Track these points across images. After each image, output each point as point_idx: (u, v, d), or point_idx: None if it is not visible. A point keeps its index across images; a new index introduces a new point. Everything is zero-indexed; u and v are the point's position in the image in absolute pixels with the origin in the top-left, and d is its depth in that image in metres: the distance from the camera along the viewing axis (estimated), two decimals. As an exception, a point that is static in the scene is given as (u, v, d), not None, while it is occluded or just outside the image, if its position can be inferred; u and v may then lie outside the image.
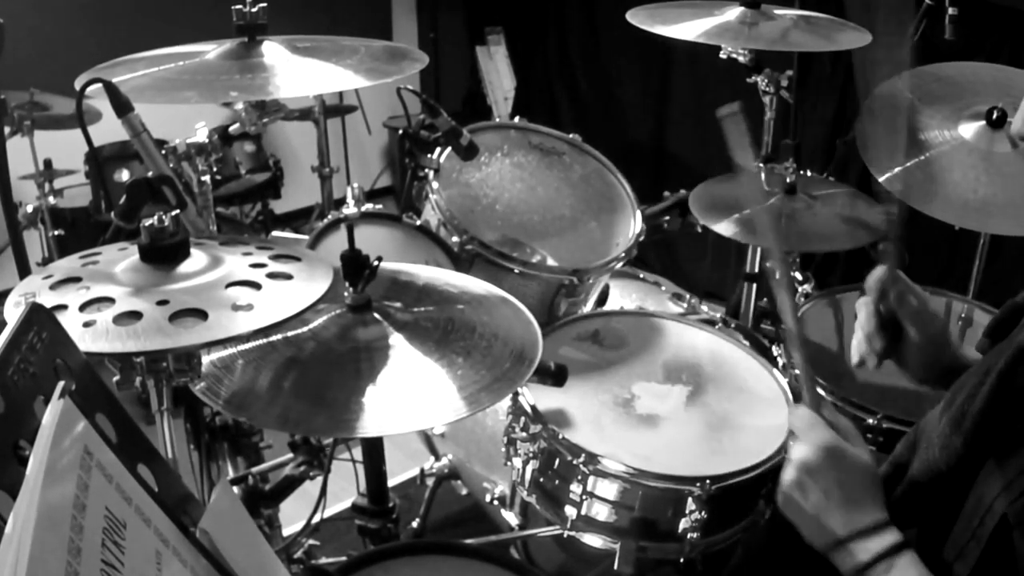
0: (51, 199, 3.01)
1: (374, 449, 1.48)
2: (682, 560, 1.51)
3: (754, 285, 2.33)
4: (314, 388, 1.18)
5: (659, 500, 1.49)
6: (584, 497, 1.52)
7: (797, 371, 1.21)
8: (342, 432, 1.24)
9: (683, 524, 1.48)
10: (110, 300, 1.00)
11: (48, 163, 3.04)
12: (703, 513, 1.47)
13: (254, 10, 1.54)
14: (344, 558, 1.35)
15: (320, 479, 1.62)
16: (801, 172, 2.15)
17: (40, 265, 2.80)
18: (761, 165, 2.24)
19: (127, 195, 1.24)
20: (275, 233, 2.64)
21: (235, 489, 1.57)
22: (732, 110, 1.12)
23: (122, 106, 1.35)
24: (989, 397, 0.94)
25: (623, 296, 2.23)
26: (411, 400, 1.17)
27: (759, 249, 2.29)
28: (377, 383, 1.18)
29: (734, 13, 2.04)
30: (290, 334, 1.25)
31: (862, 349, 1.20)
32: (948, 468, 0.98)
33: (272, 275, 1.09)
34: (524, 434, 1.59)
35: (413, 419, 1.17)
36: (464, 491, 2.06)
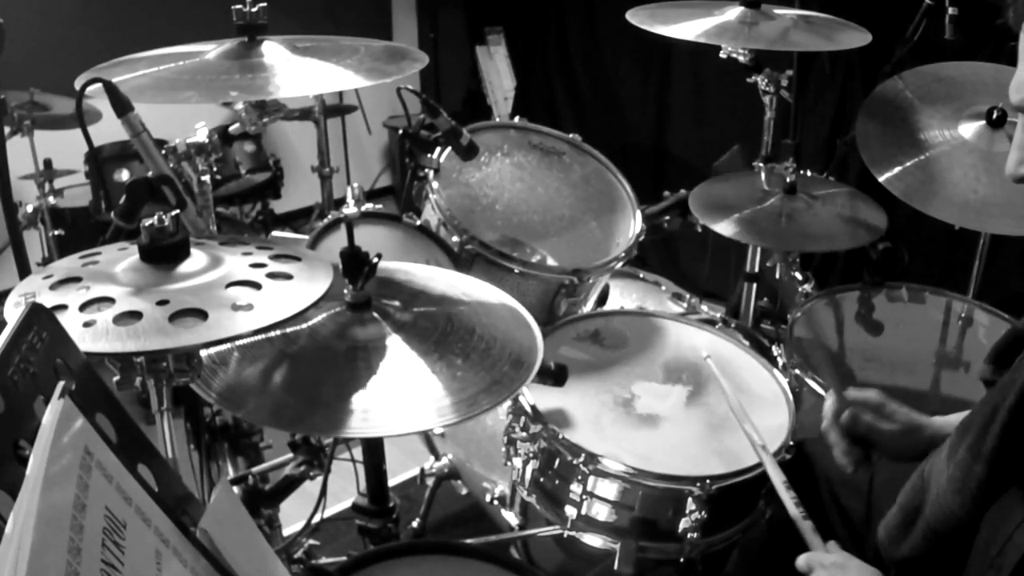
0: (51, 199, 3.01)
1: (374, 449, 1.48)
2: (682, 560, 1.51)
3: (754, 285, 2.33)
4: (309, 386, 1.18)
5: (659, 500, 1.49)
6: (584, 497, 1.52)
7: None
8: (336, 431, 1.23)
9: (683, 524, 1.48)
10: (110, 300, 1.00)
11: (48, 163, 3.04)
12: (703, 513, 1.47)
13: (254, 10, 1.54)
14: (344, 558, 1.35)
15: (320, 479, 1.62)
16: (801, 172, 2.15)
17: (40, 265, 2.80)
18: (761, 165, 2.24)
19: (127, 195, 1.24)
20: (275, 233, 2.64)
21: (235, 489, 1.57)
22: None
23: (122, 106, 1.35)
24: (1002, 435, 0.92)
25: (623, 296, 2.23)
26: (408, 401, 1.17)
27: (759, 249, 2.29)
28: (374, 383, 1.17)
29: (734, 13, 2.04)
30: (288, 330, 1.25)
31: (842, 461, 1.28)
32: (964, 511, 0.97)
33: (272, 275, 1.09)
34: (524, 434, 1.59)
35: (409, 421, 1.15)
36: (464, 491, 2.06)
